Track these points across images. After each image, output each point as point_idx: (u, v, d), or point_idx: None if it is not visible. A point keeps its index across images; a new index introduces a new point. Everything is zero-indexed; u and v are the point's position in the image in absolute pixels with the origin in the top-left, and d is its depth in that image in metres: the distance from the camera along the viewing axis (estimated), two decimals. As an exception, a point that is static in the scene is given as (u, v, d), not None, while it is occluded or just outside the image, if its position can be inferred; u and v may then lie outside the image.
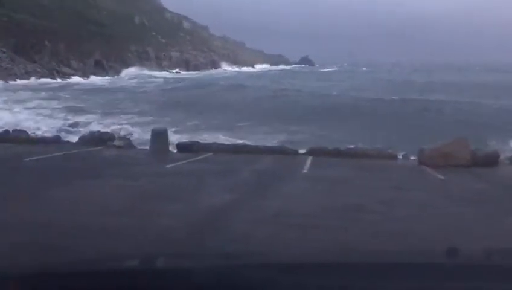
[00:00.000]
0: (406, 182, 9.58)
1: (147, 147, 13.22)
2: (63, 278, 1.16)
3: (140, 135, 15.62)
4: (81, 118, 20.96)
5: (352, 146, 13.74)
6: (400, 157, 12.83)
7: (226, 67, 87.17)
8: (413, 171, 11.22)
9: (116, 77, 58.15)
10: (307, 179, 9.92)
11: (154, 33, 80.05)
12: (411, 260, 1.41)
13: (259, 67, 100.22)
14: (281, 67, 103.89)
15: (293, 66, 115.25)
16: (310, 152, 12.93)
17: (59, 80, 48.59)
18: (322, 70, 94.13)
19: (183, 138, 14.72)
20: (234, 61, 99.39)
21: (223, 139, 15.62)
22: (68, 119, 20.49)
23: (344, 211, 7.06)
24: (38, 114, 22.74)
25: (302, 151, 13.15)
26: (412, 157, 12.48)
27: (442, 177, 10.07)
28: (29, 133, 15.49)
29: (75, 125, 18.65)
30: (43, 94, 32.68)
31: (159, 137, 13.13)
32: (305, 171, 10.70)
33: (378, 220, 6.71)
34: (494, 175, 10.80)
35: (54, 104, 27.41)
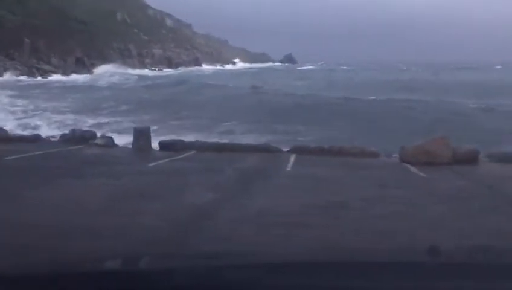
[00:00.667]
0: (388, 180, 9.66)
1: (130, 146, 13.09)
2: (43, 280, 1.12)
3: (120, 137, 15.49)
4: (58, 117, 20.70)
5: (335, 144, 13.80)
6: (382, 155, 12.93)
7: (207, 66, 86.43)
8: (395, 169, 11.32)
9: (96, 74, 57.40)
10: (290, 177, 9.93)
11: (136, 30, 79.42)
12: (393, 259, 1.41)
13: (240, 65, 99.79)
14: (259, 65, 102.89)
15: (276, 64, 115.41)
16: (294, 150, 12.96)
17: (39, 78, 47.90)
18: (300, 68, 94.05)
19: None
20: (217, 59, 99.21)
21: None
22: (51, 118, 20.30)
23: (327, 208, 7.08)
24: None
25: (285, 149, 13.17)
26: (394, 155, 12.59)
27: (424, 175, 10.18)
28: (8, 131, 15.22)
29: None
30: (15, 92, 32.21)
31: (142, 135, 13.02)
32: (288, 169, 10.72)
33: (361, 217, 6.75)
34: (474, 172, 10.96)
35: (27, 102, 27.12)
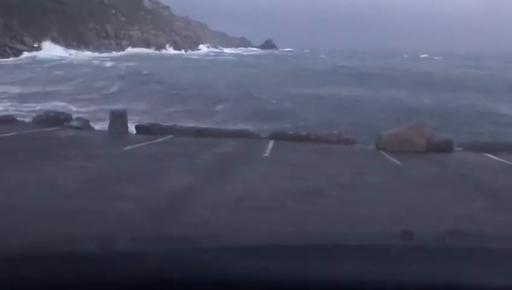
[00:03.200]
0: (363, 167, 9.78)
1: (106, 128, 12.91)
2: (15, 264, 1.10)
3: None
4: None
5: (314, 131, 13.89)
6: (359, 142, 13.07)
7: (170, 50, 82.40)
8: (371, 156, 11.46)
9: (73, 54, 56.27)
10: (268, 163, 9.96)
11: (113, 11, 77.85)
12: (364, 242, 1.43)
13: (205, 50, 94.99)
14: (235, 50, 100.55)
15: (253, 49, 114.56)
16: (272, 136, 12.99)
17: (11, 58, 46.70)
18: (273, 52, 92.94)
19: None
20: (196, 43, 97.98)
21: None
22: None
23: (303, 194, 7.14)
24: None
25: (264, 135, 13.19)
26: (370, 143, 12.75)
27: (399, 163, 10.34)
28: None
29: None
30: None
31: (118, 118, 12.84)
32: (266, 155, 10.74)
33: (336, 203, 6.83)
34: (448, 161, 11.18)
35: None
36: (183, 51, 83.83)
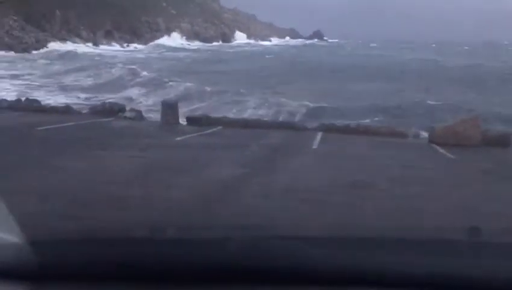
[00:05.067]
0: (415, 160, 9.55)
1: (158, 119, 13.25)
2: (73, 245, 1.17)
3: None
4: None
5: (364, 122, 13.69)
6: (411, 135, 12.75)
7: (240, 41, 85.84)
8: (423, 149, 11.16)
9: (126, 46, 58.04)
10: (316, 155, 9.92)
11: (164, 4, 79.25)
12: (426, 237, 1.40)
13: (274, 41, 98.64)
14: (289, 41, 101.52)
15: (299, 40, 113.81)
16: (320, 128, 12.90)
17: (70, 48, 48.51)
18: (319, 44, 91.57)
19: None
20: (248, 34, 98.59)
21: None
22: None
23: (352, 187, 7.06)
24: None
25: (312, 126, 13.12)
26: (422, 136, 12.41)
27: (452, 157, 10.01)
28: (41, 102, 15.58)
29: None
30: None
31: (170, 109, 13.15)
32: (314, 147, 10.69)
33: (386, 197, 6.71)
34: (504, 156, 10.72)
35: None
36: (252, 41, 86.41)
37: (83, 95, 21.64)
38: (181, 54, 50.53)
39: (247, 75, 29.84)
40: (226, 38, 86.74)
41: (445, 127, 11.85)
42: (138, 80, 25.83)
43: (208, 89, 21.83)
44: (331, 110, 17.49)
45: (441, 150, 10.65)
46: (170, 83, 24.06)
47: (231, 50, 62.32)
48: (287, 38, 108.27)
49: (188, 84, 23.30)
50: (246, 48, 67.50)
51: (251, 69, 33.85)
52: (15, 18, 47.07)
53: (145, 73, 27.58)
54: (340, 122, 13.69)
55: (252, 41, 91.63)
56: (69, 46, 48.71)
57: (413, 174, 8.27)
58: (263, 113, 17.03)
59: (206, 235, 1.36)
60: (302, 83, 26.14)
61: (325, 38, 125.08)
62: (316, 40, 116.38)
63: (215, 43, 78.38)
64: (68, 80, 26.98)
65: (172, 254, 1.11)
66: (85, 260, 1.10)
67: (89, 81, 26.34)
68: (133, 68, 29.21)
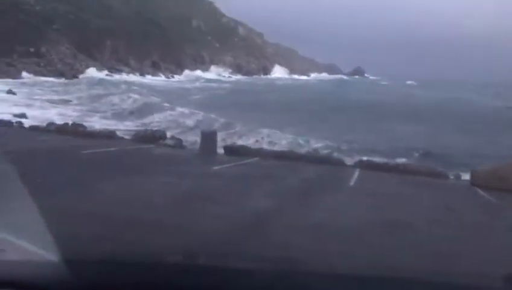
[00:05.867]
0: (455, 203, 9.26)
1: (197, 147, 13.47)
2: (107, 266, 1.21)
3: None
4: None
5: (401, 161, 13.46)
6: (452, 176, 12.42)
7: (280, 74, 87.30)
8: (464, 191, 10.83)
9: (171, 76, 59.81)
10: (353, 192, 9.78)
11: (209, 37, 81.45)
12: (462, 282, 1.37)
13: (313, 76, 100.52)
14: (327, 76, 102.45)
15: (339, 76, 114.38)
16: (358, 164, 12.76)
17: (117, 77, 50.35)
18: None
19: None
20: (290, 69, 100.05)
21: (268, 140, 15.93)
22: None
23: (388, 227, 6.90)
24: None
25: (349, 163, 13.00)
26: (463, 178, 12.06)
27: (495, 201, 9.66)
28: (87, 127, 16.17)
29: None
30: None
31: (208, 138, 13.36)
32: (351, 183, 10.55)
33: (424, 239, 6.52)
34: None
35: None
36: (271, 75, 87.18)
37: (128, 123, 22.29)
38: (222, 85, 51.82)
39: (281, 108, 29.91)
40: (266, 71, 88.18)
41: (488, 170, 11.48)
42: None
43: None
44: (367, 147, 17.28)
45: (483, 193, 10.30)
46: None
47: (261, 83, 63.37)
48: (324, 74, 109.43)
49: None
50: (279, 82, 68.35)
51: (286, 102, 34.29)
52: (68, 46, 49.45)
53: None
54: (378, 159, 13.49)
55: (295, 75, 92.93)
56: (115, 76, 50.57)
57: (453, 217, 8.02)
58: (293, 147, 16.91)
59: (235, 264, 1.38)
60: (334, 120, 25.86)
61: (366, 75, 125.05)
62: (356, 76, 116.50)
63: (255, 76, 79.90)
64: (109, 106, 27.91)
65: (202, 280, 1.13)
66: (115, 282, 1.13)
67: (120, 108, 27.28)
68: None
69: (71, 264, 1.14)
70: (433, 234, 6.79)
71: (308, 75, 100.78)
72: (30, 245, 1.22)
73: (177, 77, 61.37)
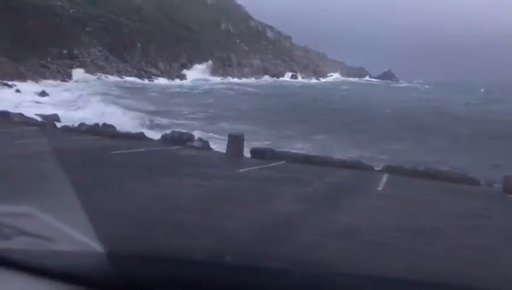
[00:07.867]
0: (487, 210, 9.01)
1: (223, 150, 13.53)
2: (143, 263, 1.22)
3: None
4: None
5: (431, 167, 13.18)
6: (484, 183, 12.11)
7: (288, 78, 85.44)
8: (496, 198, 10.53)
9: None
10: (382, 197, 9.63)
11: (238, 41, 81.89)
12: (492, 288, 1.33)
13: (327, 79, 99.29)
14: (352, 80, 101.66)
15: (370, 79, 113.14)
16: (386, 169, 12.58)
17: (146, 81, 51.15)
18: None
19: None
20: (314, 72, 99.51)
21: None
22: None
23: (417, 233, 6.76)
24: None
25: (378, 168, 12.82)
26: (496, 185, 11.74)
27: (529, 209, 9.36)
28: (116, 128, 16.44)
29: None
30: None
31: (235, 141, 13.39)
32: (379, 188, 10.41)
33: (454, 246, 6.36)
34: None
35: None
36: (299, 79, 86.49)
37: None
38: (247, 89, 51.74)
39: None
40: (294, 75, 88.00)
41: (522, 177, 11.14)
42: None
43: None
44: (396, 152, 17.01)
45: (517, 201, 10.00)
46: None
47: (281, 86, 63.38)
48: (346, 78, 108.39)
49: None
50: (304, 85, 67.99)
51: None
52: (100, 48, 50.50)
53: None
54: (407, 164, 13.25)
55: (322, 79, 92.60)
56: (145, 81, 51.43)
57: (484, 224, 7.81)
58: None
59: (264, 264, 1.37)
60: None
61: (395, 78, 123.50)
62: (387, 80, 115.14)
63: (281, 79, 79.82)
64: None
65: (232, 278, 1.14)
66: (154, 277, 1.15)
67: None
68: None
69: (115, 258, 1.17)
70: (463, 241, 6.61)
71: (334, 77, 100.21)
72: (79, 235, 1.25)
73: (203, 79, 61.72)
